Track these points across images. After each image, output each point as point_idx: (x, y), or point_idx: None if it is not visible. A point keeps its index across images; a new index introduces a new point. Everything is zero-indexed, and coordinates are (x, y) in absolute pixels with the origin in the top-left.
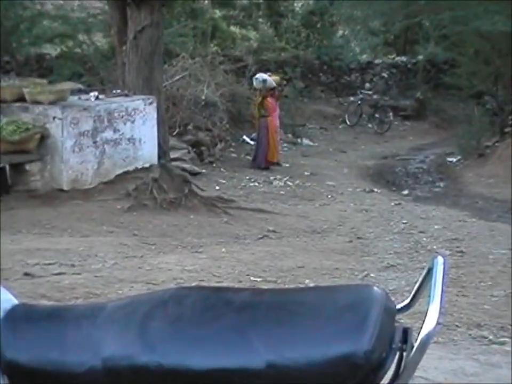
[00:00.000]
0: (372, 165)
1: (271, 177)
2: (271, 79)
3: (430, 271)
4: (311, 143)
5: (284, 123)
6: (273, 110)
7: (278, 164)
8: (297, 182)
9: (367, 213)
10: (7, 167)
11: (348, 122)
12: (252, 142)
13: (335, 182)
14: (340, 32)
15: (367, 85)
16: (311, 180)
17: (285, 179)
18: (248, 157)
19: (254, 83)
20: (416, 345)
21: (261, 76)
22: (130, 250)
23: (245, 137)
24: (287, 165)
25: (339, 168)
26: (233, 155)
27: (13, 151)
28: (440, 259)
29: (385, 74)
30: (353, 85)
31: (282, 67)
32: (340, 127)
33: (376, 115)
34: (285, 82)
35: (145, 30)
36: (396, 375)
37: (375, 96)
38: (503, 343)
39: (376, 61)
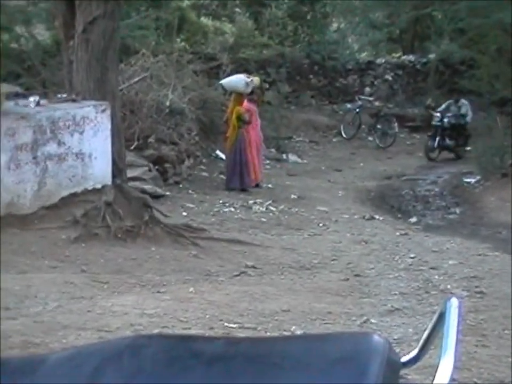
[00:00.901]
0: (372, 187)
1: (250, 201)
2: (246, 80)
3: (442, 316)
4: (299, 160)
5: (266, 135)
6: (253, 119)
7: (258, 185)
8: (281, 207)
9: (366, 244)
10: None
11: (344, 135)
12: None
13: (328, 208)
14: (335, 26)
15: (367, 89)
16: (298, 204)
17: (267, 203)
18: (222, 177)
19: (228, 85)
20: None
21: (238, 79)
22: (78, 290)
23: (218, 152)
24: (270, 186)
25: (333, 191)
26: (204, 174)
27: None
28: (454, 301)
29: (389, 77)
30: (350, 89)
31: (264, 67)
32: (334, 140)
33: (378, 126)
34: (267, 85)
35: (97, 21)
36: None
37: (376, 103)
38: None
39: (378, 61)
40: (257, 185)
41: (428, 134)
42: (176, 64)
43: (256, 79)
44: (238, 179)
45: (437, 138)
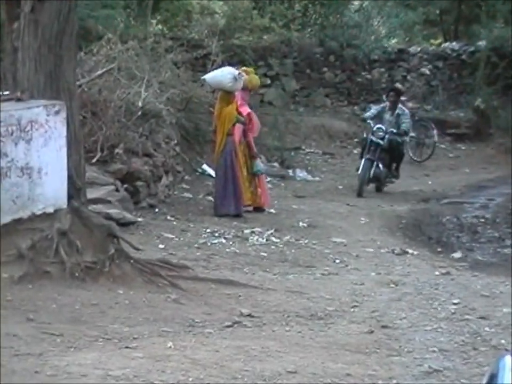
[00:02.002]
0: (404, 212)
1: (247, 230)
2: (233, 74)
3: (493, 379)
4: (310, 177)
5: (267, 145)
6: (249, 124)
7: (258, 209)
8: (287, 238)
9: (396, 287)
10: None
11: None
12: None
13: (346, 239)
14: (356, 4)
15: (399, 86)
16: (309, 234)
17: (268, 233)
18: (211, 199)
19: (213, 81)
20: None
21: (228, 72)
22: (23, 344)
23: (205, 166)
24: (272, 211)
25: (353, 217)
26: (187, 195)
27: None
28: (509, 360)
29: (426, 70)
30: (375, 86)
31: (265, 57)
32: (355, 151)
33: (412, 134)
34: (268, 80)
35: None
36: None
37: (410, 104)
38: None
39: (412, 49)
40: (257, 209)
41: (367, 157)
42: (151, 53)
43: (250, 74)
44: (231, 202)
45: (375, 164)
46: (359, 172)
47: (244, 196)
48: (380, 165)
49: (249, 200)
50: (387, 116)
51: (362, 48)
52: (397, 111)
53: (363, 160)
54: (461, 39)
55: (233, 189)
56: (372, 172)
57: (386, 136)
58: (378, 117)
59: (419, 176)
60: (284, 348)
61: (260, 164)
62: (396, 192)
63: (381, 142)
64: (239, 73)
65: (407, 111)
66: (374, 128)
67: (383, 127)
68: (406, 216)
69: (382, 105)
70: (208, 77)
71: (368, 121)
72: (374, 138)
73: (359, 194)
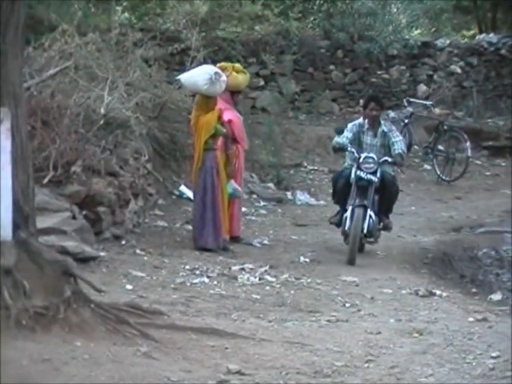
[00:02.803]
0: (431, 244)
1: (235, 267)
2: (209, 74)
3: None
4: (313, 201)
5: (260, 162)
6: (236, 137)
7: (248, 243)
8: (285, 276)
9: (421, 337)
10: None
11: None
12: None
13: (358, 277)
14: None
15: (422, 87)
16: (312, 271)
17: (262, 270)
18: (190, 227)
19: (188, 82)
20: None
21: (205, 71)
22: None
23: (183, 188)
24: (266, 243)
25: (367, 250)
26: (161, 223)
27: None
28: None
29: (457, 68)
30: (394, 87)
31: (257, 53)
32: None
33: (440, 146)
34: (261, 81)
35: None
36: None
37: (437, 110)
38: None
39: (440, 42)
40: (245, 241)
41: (356, 204)
42: (115, 48)
43: (236, 72)
44: (209, 233)
45: (368, 212)
46: (347, 226)
47: (225, 226)
48: (372, 213)
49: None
50: (367, 137)
51: (377, 41)
52: (381, 128)
53: (349, 208)
54: (499, 29)
55: (212, 217)
56: (366, 225)
57: (378, 169)
58: (355, 142)
59: (448, 199)
60: None
61: (234, 185)
62: (419, 220)
63: (373, 178)
64: (216, 73)
65: (393, 126)
66: (361, 159)
67: (374, 156)
68: (432, 249)
69: (356, 122)
70: (184, 77)
71: (348, 149)
72: (362, 174)
73: (351, 261)
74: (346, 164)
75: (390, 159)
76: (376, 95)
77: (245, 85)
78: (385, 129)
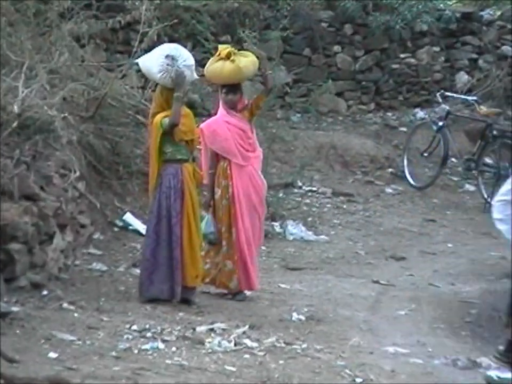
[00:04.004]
0: (474, 296)
1: (201, 327)
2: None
3: None
4: (310, 235)
5: None
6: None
7: (230, 294)
8: (271, 340)
9: None
10: None
11: (410, 179)
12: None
13: (373, 341)
14: None
15: (464, 77)
16: (309, 334)
17: (239, 331)
18: (138, 272)
19: (144, 66)
20: None
21: (161, 53)
22: None
23: (129, 216)
24: (248, 294)
25: (386, 304)
26: (99, 266)
27: None
28: None
29: (510, 50)
30: (424, 76)
31: (232, 28)
32: (388, 190)
33: (487, 159)
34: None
35: None
36: None
37: (483, 109)
38: None
39: (488, 14)
40: (233, 295)
41: None
42: (34, 22)
43: (226, 51)
44: (164, 278)
45: None
46: None
47: (192, 270)
48: None
49: (204, 278)
50: None
51: (400, 11)
52: None
53: None
54: None
55: (167, 255)
56: None
57: None
58: None
59: (499, 233)
60: None
61: (211, 224)
62: (459, 262)
63: None
64: (168, 56)
65: None
66: None
67: None
68: (477, 302)
69: None
70: (142, 60)
71: None
72: None
73: None
74: None
75: None
76: None
77: (242, 75)
78: None
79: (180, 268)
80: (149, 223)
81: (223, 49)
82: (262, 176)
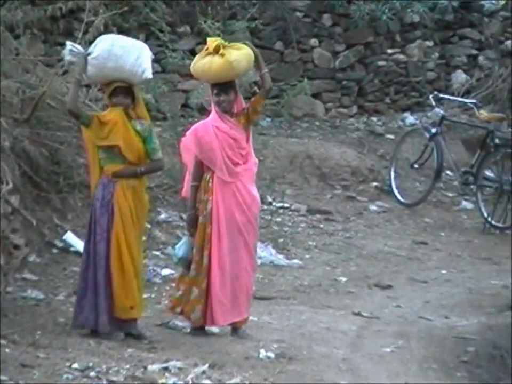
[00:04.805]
0: (472, 331)
1: (154, 366)
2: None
3: None
4: (281, 258)
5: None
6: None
7: (173, 326)
8: (234, 381)
9: None
10: None
11: (398, 195)
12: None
13: None
14: None
15: (461, 76)
16: (279, 374)
17: (197, 371)
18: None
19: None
20: None
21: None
22: None
23: (69, 236)
24: (211, 328)
25: (369, 340)
26: (34, 293)
27: None
28: None
29: None
30: (414, 75)
31: (192, 16)
32: (373, 208)
33: (488, 172)
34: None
35: None
36: None
37: (483, 113)
38: None
39: (490, 3)
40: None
41: None
42: None
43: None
44: (90, 305)
45: None
46: None
47: (124, 300)
48: None
49: (174, 308)
50: None
51: (388, 1)
52: None
53: None
54: None
55: (93, 278)
56: None
57: None
58: None
59: (501, 257)
60: None
61: (182, 248)
62: (455, 291)
63: None
64: (70, 45)
65: None
66: None
67: None
68: (475, 338)
69: None
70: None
71: None
72: None
73: None
74: None
75: None
76: None
77: (234, 71)
78: None
79: (105, 295)
80: (86, 238)
81: (212, 42)
82: (255, 191)
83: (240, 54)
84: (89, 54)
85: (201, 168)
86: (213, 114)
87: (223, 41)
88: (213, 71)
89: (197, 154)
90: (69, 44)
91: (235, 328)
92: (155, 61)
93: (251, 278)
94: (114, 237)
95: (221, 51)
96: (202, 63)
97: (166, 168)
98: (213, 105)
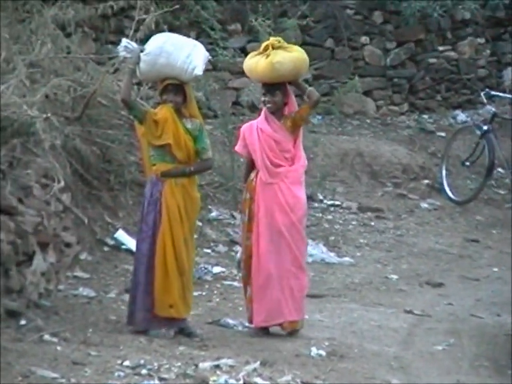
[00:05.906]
0: None
1: (205, 363)
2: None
3: None
4: (332, 256)
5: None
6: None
7: (225, 324)
8: (286, 378)
9: None
10: None
11: (449, 193)
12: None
13: (403, 382)
14: None
15: None
16: (330, 371)
17: (249, 369)
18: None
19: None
20: None
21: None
22: None
23: (121, 234)
24: (252, 325)
25: (421, 337)
26: (86, 291)
27: None
28: None
29: None
30: (466, 73)
31: (243, 15)
32: (424, 205)
33: None
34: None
35: None
36: None
37: None
38: None
39: None
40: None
41: None
42: (12, 6)
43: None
44: (140, 306)
45: None
46: None
47: (164, 297)
48: None
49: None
50: None
51: None
52: None
53: None
54: None
55: (144, 281)
56: None
57: None
58: None
59: None
60: None
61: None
62: (506, 289)
63: None
64: (126, 42)
65: None
66: None
67: None
68: None
69: None
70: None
71: None
72: None
73: None
74: None
75: None
76: None
77: (276, 73)
78: None
79: (144, 292)
80: (139, 239)
81: (266, 41)
82: (300, 193)
83: (286, 56)
84: (143, 51)
85: (251, 169)
86: (262, 114)
87: (277, 41)
88: (258, 71)
89: (243, 152)
90: (124, 40)
91: (285, 329)
92: None
93: (298, 280)
94: (161, 235)
95: (268, 51)
96: (251, 62)
97: (216, 166)
98: (264, 109)
